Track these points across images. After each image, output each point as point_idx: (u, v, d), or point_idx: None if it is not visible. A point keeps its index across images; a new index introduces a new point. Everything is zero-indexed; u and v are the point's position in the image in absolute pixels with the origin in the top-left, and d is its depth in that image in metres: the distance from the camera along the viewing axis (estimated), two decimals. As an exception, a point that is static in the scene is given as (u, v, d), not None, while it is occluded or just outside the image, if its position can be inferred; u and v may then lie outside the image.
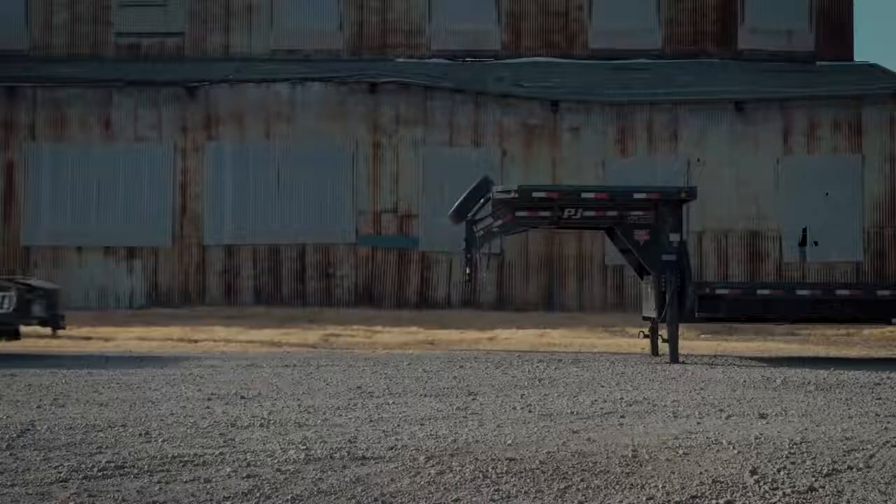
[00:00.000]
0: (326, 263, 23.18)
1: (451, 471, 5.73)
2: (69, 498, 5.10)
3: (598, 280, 23.07)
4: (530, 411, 8.16)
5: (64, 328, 14.45)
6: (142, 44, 26.06)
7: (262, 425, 7.29)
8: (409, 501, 5.11)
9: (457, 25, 26.01)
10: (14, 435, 6.80)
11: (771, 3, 26.24)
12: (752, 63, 25.73)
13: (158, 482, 5.44)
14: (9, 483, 5.39)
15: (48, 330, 14.28)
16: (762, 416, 7.93)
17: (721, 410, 8.28)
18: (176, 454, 6.14)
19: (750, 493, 5.29)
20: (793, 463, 6.03)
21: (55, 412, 7.93)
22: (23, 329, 14.16)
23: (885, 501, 5.20)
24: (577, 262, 23.10)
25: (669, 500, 5.16)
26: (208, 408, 8.21)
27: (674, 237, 13.43)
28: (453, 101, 23.48)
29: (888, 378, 10.94)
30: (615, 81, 24.29)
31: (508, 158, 23.32)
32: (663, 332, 13.54)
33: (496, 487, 5.38)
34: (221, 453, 6.18)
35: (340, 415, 7.89)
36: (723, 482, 5.52)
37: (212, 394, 9.17)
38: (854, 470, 5.87)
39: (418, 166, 23.36)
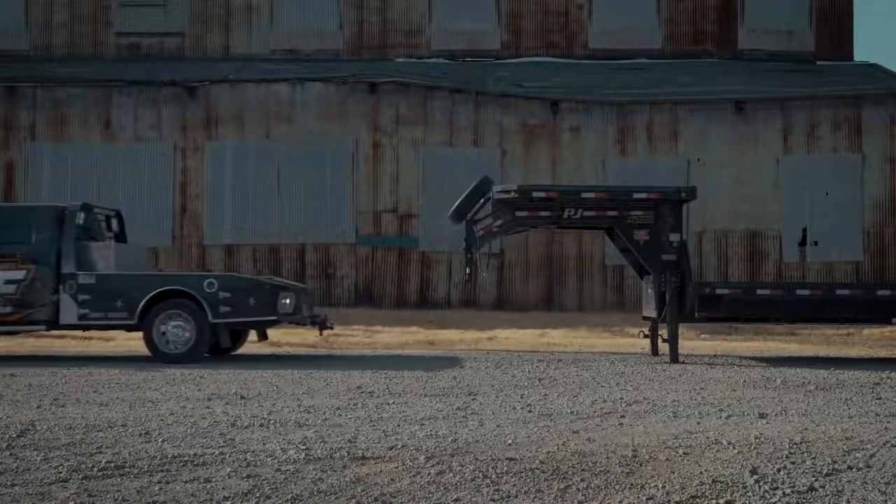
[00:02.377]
0: (326, 263, 23.18)
1: (451, 471, 5.73)
2: (69, 498, 5.10)
3: (598, 280, 23.07)
4: (530, 411, 8.16)
5: (332, 328, 14.25)
6: (142, 44, 26.09)
7: (262, 425, 7.28)
8: (409, 501, 5.11)
9: (457, 25, 26.02)
10: (14, 435, 6.79)
11: (771, 3, 26.26)
12: (752, 63, 25.73)
13: (158, 482, 5.43)
14: (9, 483, 5.39)
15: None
16: (762, 416, 7.93)
17: (721, 410, 8.28)
18: (176, 454, 6.13)
19: (750, 493, 5.29)
20: (793, 463, 6.03)
21: (55, 412, 7.93)
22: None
23: (885, 501, 5.20)
24: (577, 262, 23.10)
25: (669, 500, 5.15)
26: (208, 408, 8.21)
27: (674, 237, 13.41)
28: (453, 101, 23.48)
29: (888, 378, 10.94)
30: (615, 81, 24.28)
31: (508, 158, 23.32)
32: (663, 332, 13.54)
33: (496, 487, 5.38)
34: (221, 453, 6.18)
35: (340, 415, 7.88)
36: (723, 482, 5.52)
37: (212, 394, 9.16)
38: (854, 470, 5.87)
39: (418, 166, 23.36)
